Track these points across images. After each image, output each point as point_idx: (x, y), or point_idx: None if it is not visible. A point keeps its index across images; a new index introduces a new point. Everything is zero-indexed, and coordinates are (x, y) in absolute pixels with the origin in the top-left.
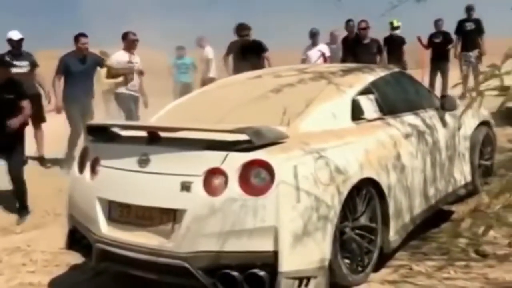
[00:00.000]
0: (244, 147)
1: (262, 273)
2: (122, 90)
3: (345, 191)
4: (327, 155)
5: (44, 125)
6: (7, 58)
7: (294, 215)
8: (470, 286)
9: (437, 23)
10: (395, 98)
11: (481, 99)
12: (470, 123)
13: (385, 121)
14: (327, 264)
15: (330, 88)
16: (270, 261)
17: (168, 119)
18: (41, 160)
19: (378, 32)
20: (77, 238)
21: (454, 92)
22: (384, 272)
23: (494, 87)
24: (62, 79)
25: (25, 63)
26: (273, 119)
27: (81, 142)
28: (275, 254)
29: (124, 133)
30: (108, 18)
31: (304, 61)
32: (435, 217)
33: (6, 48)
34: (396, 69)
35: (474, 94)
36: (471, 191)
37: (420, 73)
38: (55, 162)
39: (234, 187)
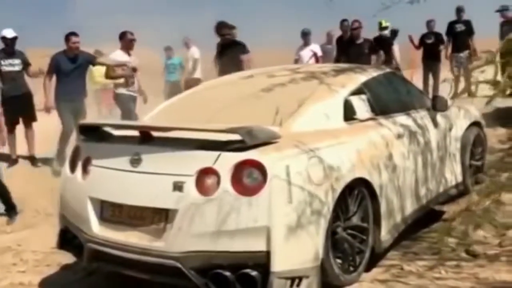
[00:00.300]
0: (237, 147)
1: (254, 273)
2: (122, 91)
3: (337, 191)
4: (320, 155)
5: (35, 125)
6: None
7: (287, 215)
8: (461, 286)
9: (429, 23)
10: (387, 99)
11: (475, 88)
12: (461, 123)
13: (377, 122)
14: (319, 264)
15: (322, 88)
16: (262, 261)
17: (160, 118)
18: (32, 160)
19: (370, 33)
20: (69, 238)
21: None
22: (375, 272)
23: (487, 80)
24: (54, 78)
25: (17, 61)
26: (265, 119)
27: (72, 140)
28: (267, 254)
29: (116, 132)
30: (100, 16)
31: (296, 61)
32: (426, 217)
33: None
34: (388, 70)
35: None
36: (462, 191)
37: (410, 73)
38: (46, 161)
39: (226, 187)
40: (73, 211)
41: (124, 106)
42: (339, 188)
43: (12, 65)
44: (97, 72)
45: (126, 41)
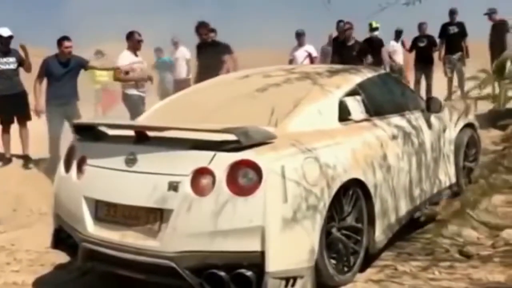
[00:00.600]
0: (232, 147)
1: (249, 273)
2: (132, 91)
3: (332, 191)
4: (315, 156)
5: (29, 124)
6: None
7: (281, 215)
8: (455, 286)
9: (421, 26)
10: (382, 100)
11: (475, 105)
12: (455, 125)
13: (371, 122)
14: (314, 264)
15: (317, 88)
16: (257, 261)
17: (155, 118)
18: (26, 159)
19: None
20: (63, 238)
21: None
22: (369, 272)
23: (486, 95)
24: (45, 82)
25: (12, 59)
26: (261, 119)
27: (62, 144)
28: (262, 254)
29: (111, 132)
30: (98, 16)
31: (291, 61)
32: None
33: None
34: (383, 71)
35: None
36: (455, 192)
37: (405, 75)
38: (40, 161)
39: (221, 187)
40: (67, 211)
41: (133, 106)
42: (334, 188)
43: (7, 63)
44: (98, 71)
45: (134, 42)
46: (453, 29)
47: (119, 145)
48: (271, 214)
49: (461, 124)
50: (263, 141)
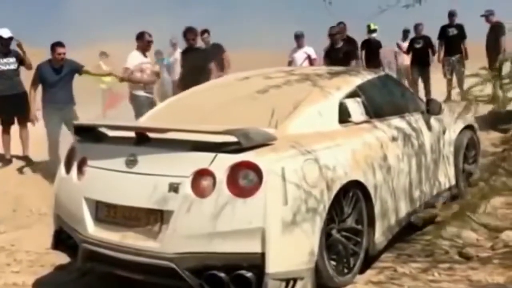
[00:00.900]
0: (233, 148)
1: (249, 274)
2: (140, 92)
3: (332, 193)
4: (315, 157)
5: (29, 125)
6: None
7: (282, 217)
8: None
9: (417, 27)
10: (382, 102)
11: (475, 106)
12: (454, 127)
13: (372, 124)
14: (314, 265)
15: (317, 90)
16: (257, 262)
17: (156, 119)
18: (26, 160)
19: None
20: (63, 238)
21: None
22: (369, 274)
23: (487, 96)
24: (40, 88)
25: (12, 60)
26: (261, 121)
27: (61, 148)
28: (262, 255)
29: (112, 133)
30: (99, 15)
31: (290, 63)
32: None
33: None
34: (383, 73)
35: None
36: (455, 194)
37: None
38: (40, 162)
39: (222, 188)
40: (68, 212)
41: (140, 107)
42: (334, 190)
43: (8, 64)
44: (102, 72)
45: (144, 42)
46: (452, 31)
47: (119, 146)
48: (271, 215)
49: (460, 126)
50: (263, 143)
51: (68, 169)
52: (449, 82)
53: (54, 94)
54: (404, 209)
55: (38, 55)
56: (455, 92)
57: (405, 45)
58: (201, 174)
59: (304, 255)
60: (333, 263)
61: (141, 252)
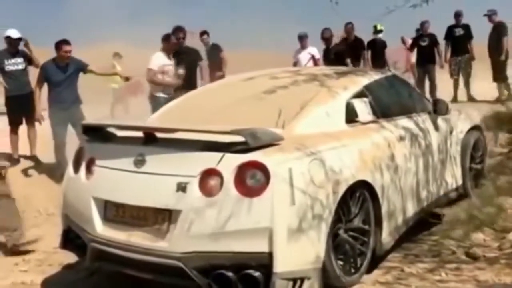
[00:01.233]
0: (240, 148)
1: (256, 273)
2: (159, 94)
3: (339, 193)
4: (322, 157)
5: (37, 125)
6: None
7: (289, 217)
8: None
9: (423, 25)
10: (389, 102)
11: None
12: (461, 127)
13: (379, 124)
14: (321, 265)
15: (324, 90)
16: (265, 262)
17: (164, 120)
18: (34, 159)
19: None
20: (72, 238)
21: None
22: (376, 274)
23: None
24: (46, 87)
25: (20, 60)
26: (268, 121)
27: (68, 148)
28: (269, 255)
29: (120, 133)
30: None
31: (295, 64)
32: (426, 219)
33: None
34: (390, 73)
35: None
36: (462, 194)
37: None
38: (48, 161)
39: (229, 188)
40: (76, 211)
41: (158, 108)
42: (341, 190)
43: (16, 64)
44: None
45: (170, 44)
46: (459, 31)
47: (127, 146)
48: (279, 215)
49: (467, 126)
50: (270, 143)
51: (76, 168)
52: (456, 82)
53: (59, 93)
54: (411, 209)
55: (40, 55)
56: (462, 92)
57: (410, 40)
58: (209, 173)
59: (311, 255)
60: (340, 263)
61: (149, 252)
